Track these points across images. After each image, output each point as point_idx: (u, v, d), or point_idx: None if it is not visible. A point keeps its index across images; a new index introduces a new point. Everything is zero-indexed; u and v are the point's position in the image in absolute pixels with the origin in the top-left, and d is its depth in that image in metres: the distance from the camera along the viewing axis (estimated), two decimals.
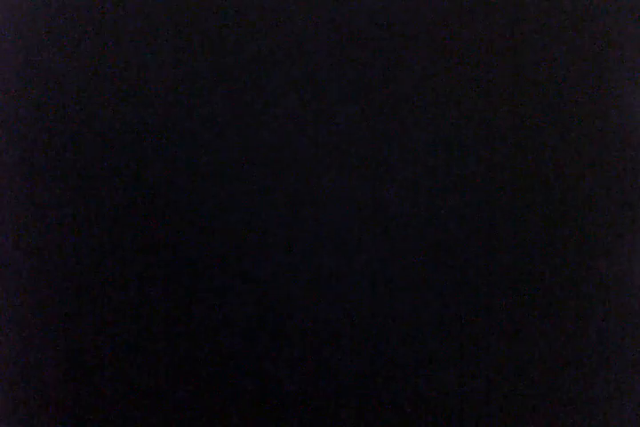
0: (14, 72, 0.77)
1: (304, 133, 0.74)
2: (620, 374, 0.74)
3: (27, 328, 0.75)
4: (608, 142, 0.75)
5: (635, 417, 0.74)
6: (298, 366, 0.74)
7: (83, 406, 0.75)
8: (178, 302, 0.74)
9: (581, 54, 0.75)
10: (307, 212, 0.74)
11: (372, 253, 0.74)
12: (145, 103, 0.75)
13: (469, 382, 0.73)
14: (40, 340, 0.75)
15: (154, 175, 0.75)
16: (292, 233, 0.74)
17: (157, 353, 0.74)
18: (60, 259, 0.75)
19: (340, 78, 0.74)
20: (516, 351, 0.73)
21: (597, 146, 0.74)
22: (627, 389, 0.74)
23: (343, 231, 0.74)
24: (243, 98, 0.75)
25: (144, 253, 0.74)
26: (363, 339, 0.73)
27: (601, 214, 0.74)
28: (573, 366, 0.74)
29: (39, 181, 0.76)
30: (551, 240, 0.74)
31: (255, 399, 0.74)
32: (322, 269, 0.74)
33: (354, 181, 0.74)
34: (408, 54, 0.75)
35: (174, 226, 0.74)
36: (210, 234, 0.74)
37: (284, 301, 0.74)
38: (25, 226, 0.76)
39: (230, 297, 0.74)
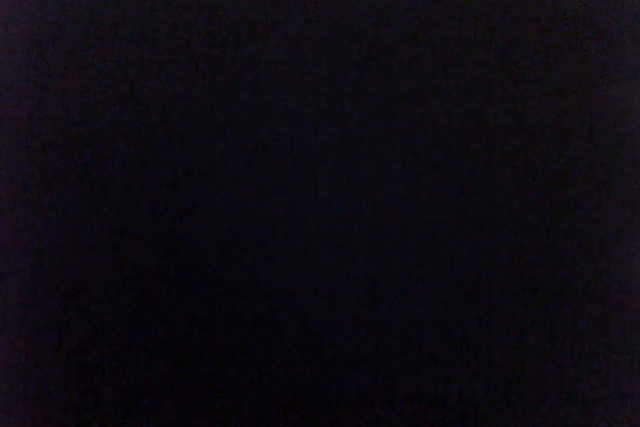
0: (14, 72, 0.77)
1: (304, 133, 0.74)
2: (620, 373, 0.74)
3: (27, 328, 0.75)
4: (608, 142, 0.75)
5: (635, 417, 0.74)
6: (297, 366, 0.73)
7: (83, 406, 0.75)
8: (178, 302, 0.74)
9: (581, 54, 0.75)
10: (307, 211, 0.74)
11: (372, 253, 0.74)
12: (145, 103, 0.75)
13: (469, 382, 0.73)
14: (40, 340, 0.75)
15: (154, 175, 0.75)
16: (292, 233, 0.74)
17: (158, 353, 0.74)
18: (60, 259, 0.75)
19: (340, 78, 0.74)
20: (516, 351, 0.73)
21: (597, 146, 0.74)
22: (627, 389, 0.74)
23: (343, 231, 0.74)
24: (243, 98, 0.75)
25: (144, 252, 0.74)
26: (363, 339, 0.73)
27: (601, 214, 0.74)
28: (573, 366, 0.73)
29: (39, 181, 0.76)
30: (551, 240, 0.74)
31: (255, 400, 0.74)
32: (322, 269, 0.74)
33: (354, 181, 0.74)
34: (408, 54, 0.74)
35: (174, 226, 0.74)
36: (210, 234, 0.74)
37: (284, 301, 0.74)
38: (25, 226, 0.76)
39: (230, 297, 0.74)
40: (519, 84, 0.74)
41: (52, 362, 0.75)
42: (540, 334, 0.73)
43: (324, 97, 0.74)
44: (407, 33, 0.75)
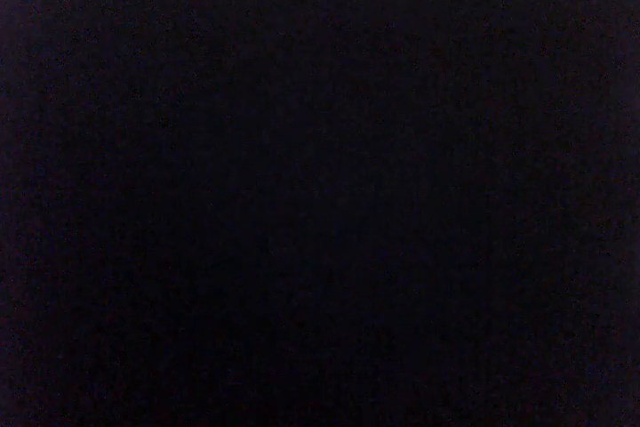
0: (14, 72, 0.77)
1: (304, 133, 0.74)
2: (620, 373, 0.74)
3: (27, 328, 0.75)
4: (608, 142, 0.75)
5: (635, 417, 0.74)
6: (297, 365, 0.74)
7: (83, 407, 0.75)
8: (178, 302, 0.74)
9: (582, 54, 0.75)
10: (307, 211, 0.74)
11: (372, 253, 0.74)
12: (145, 103, 0.75)
13: (469, 382, 0.73)
14: (40, 340, 0.75)
15: (154, 175, 0.75)
16: (292, 233, 0.74)
17: (157, 353, 0.74)
18: (60, 259, 0.75)
19: (340, 78, 0.74)
20: (516, 351, 0.73)
21: (597, 145, 0.75)
22: (627, 388, 0.74)
23: (343, 231, 0.74)
24: (243, 98, 0.75)
25: (144, 252, 0.74)
26: (363, 339, 0.73)
27: (601, 214, 0.74)
28: (573, 366, 0.74)
29: (39, 181, 0.76)
30: (551, 240, 0.74)
31: (255, 400, 0.74)
32: (322, 269, 0.74)
33: (354, 181, 0.74)
34: (408, 54, 0.75)
35: (174, 226, 0.74)
36: (210, 234, 0.74)
37: (284, 301, 0.74)
38: (25, 226, 0.76)
39: (230, 297, 0.74)
40: (519, 84, 0.74)
41: (52, 362, 0.75)
42: (540, 334, 0.73)
43: (325, 97, 0.75)
44: (407, 33, 0.75)
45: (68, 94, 0.76)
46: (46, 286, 0.75)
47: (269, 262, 0.74)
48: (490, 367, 0.73)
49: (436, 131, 0.74)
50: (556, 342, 0.73)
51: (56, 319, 0.75)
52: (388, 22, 0.75)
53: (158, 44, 0.75)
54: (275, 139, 0.74)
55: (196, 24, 0.75)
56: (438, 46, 0.74)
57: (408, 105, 0.74)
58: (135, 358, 0.74)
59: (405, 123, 0.74)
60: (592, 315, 0.74)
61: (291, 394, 0.73)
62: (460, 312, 0.73)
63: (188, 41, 0.75)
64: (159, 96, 0.75)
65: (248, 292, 0.74)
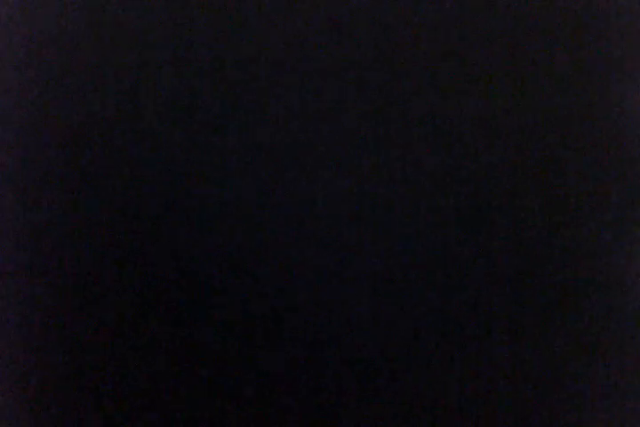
0: (14, 72, 0.77)
1: (304, 134, 0.74)
2: (620, 373, 0.74)
3: (27, 328, 0.75)
4: (608, 142, 0.75)
5: (635, 417, 0.74)
6: (297, 366, 0.73)
7: (83, 406, 0.75)
8: (178, 302, 0.74)
9: (582, 55, 0.75)
10: (307, 212, 0.74)
11: (372, 254, 0.74)
12: (145, 103, 0.75)
13: (469, 382, 0.73)
14: (40, 340, 0.75)
15: (154, 175, 0.75)
16: (293, 233, 0.74)
17: (158, 353, 0.74)
18: (60, 259, 0.75)
19: (341, 78, 0.74)
20: (516, 351, 0.73)
21: (597, 146, 0.74)
22: (627, 389, 0.74)
23: (343, 231, 0.74)
24: (243, 98, 0.75)
25: (144, 252, 0.74)
26: (363, 339, 0.73)
27: (601, 214, 0.74)
28: (573, 366, 0.74)
29: (39, 180, 0.76)
30: (551, 240, 0.74)
31: (255, 400, 0.74)
32: (322, 269, 0.74)
33: (354, 181, 0.74)
34: (409, 54, 0.75)
35: (175, 226, 0.74)
36: (211, 234, 0.74)
37: (284, 301, 0.74)
38: (25, 226, 0.76)
39: (231, 297, 0.74)
40: (519, 84, 0.74)
41: (52, 362, 0.75)
42: (540, 334, 0.73)
43: (324, 97, 0.74)
44: (408, 33, 0.75)
45: (68, 94, 0.76)
46: (47, 285, 0.75)
47: (269, 262, 0.74)
48: (490, 367, 0.73)
49: (436, 130, 0.74)
50: (555, 342, 0.73)
51: (56, 319, 0.75)
52: (389, 22, 0.75)
53: (158, 44, 0.75)
54: (275, 139, 0.74)
55: (196, 24, 0.75)
56: (438, 46, 0.74)
57: (408, 105, 0.74)
58: (135, 358, 0.74)
59: (406, 122, 0.74)
60: (592, 315, 0.74)
61: (290, 394, 0.73)
62: (461, 312, 0.73)
63: (187, 41, 0.75)
64: (159, 96, 0.75)
65: (248, 292, 0.74)
